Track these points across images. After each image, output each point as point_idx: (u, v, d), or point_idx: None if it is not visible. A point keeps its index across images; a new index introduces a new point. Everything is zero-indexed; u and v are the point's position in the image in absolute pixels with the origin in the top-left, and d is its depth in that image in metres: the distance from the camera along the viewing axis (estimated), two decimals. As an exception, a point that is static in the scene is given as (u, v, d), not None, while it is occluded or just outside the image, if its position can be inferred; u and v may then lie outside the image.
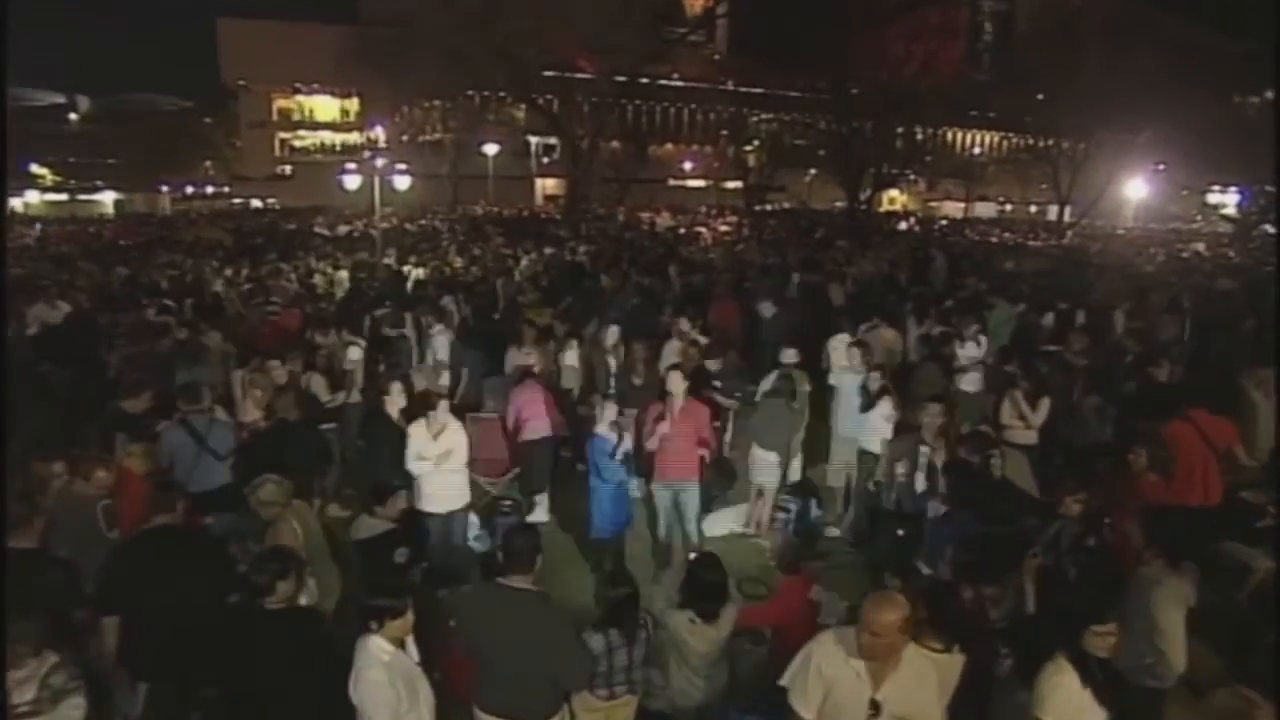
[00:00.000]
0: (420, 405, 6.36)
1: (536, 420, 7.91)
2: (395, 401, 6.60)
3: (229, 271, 14.82)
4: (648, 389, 8.33)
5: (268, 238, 23.18)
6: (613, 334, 8.66)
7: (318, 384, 7.93)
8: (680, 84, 54.39)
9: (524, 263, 15.53)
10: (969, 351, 9.34)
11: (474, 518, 7.42)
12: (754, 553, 7.52)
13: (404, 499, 5.46)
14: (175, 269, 15.57)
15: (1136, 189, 38.48)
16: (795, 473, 8.05)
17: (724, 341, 9.52)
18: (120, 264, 16.92)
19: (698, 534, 6.92)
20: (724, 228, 32.05)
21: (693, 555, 6.71)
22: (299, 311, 10.67)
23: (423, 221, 27.52)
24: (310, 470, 6.41)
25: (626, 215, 35.81)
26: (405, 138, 44.16)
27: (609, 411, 6.53)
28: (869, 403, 7.31)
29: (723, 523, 7.86)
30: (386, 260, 15.45)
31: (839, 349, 8.89)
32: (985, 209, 63.40)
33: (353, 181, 16.77)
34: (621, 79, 32.69)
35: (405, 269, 14.74)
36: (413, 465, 6.17)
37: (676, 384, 6.65)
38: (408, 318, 9.90)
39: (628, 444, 6.56)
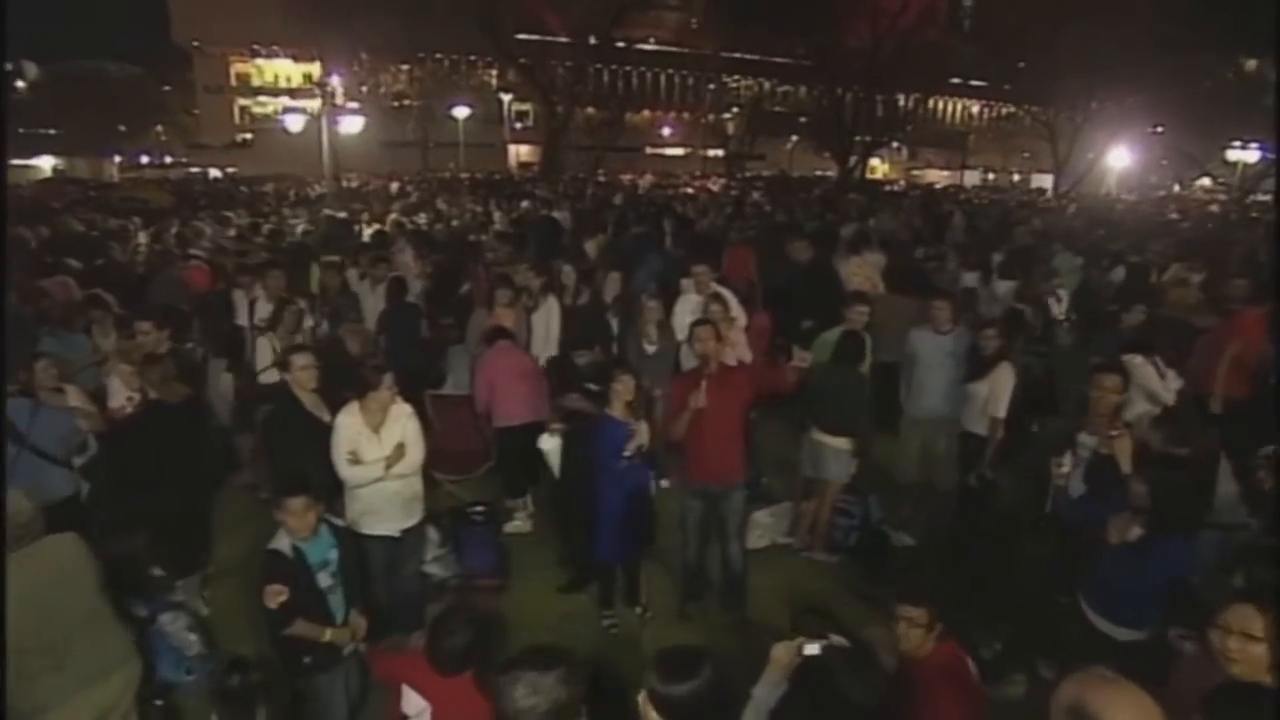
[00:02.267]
0: (346, 382, 4.40)
1: (515, 399, 6.03)
2: (307, 381, 4.64)
3: (152, 230, 12.62)
4: (661, 358, 6.49)
5: (210, 197, 20.86)
6: (614, 282, 6.73)
7: (264, 349, 6.08)
8: (657, 48, 53.06)
9: (496, 218, 13.44)
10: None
11: (433, 532, 5.54)
12: (807, 572, 5.73)
13: (306, 510, 3.55)
14: (93, 229, 13.37)
15: (1119, 158, 37.76)
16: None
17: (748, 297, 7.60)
18: (43, 224, 14.74)
19: (740, 558, 5.06)
20: (713, 188, 30.18)
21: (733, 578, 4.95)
22: (208, 268, 8.57)
23: (394, 185, 25.22)
24: (195, 476, 4.48)
25: (607, 178, 33.76)
26: (364, 88, 41.75)
27: (622, 388, 4.62)
28: (977, 370, 5.50)
29: (754, 531, 6.00)
30: (332, 211, 13.33)
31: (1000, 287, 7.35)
32: (969, 178, 62.37)
33: (295, 122, 14.61)
34: (595, 42, 31.06)
35: (359, 225, 12.66)
36: (345, 471, 4.26)
37: (708, 342, 4.74)
38: (352, 272, 7.92)
39: (644, 434, 4.66)
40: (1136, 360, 5.37)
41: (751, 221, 13.62)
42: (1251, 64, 28.49)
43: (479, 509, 5.87)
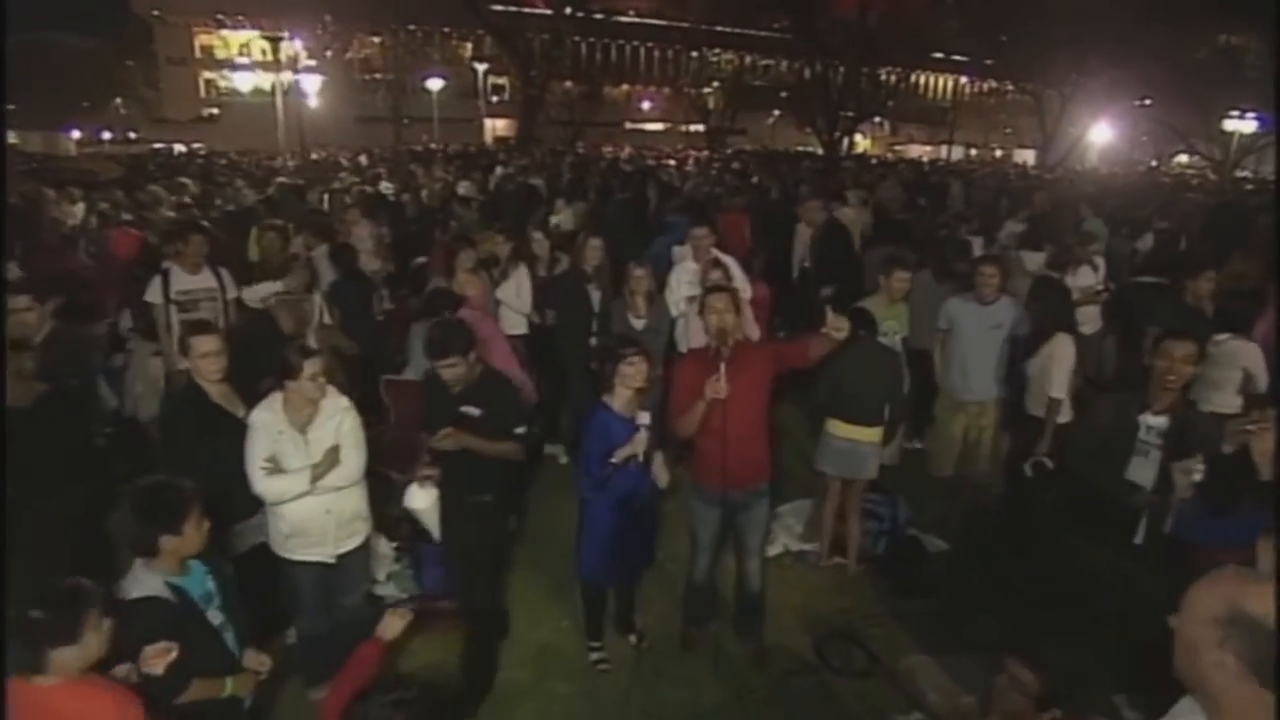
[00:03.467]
0: (269, 366, 3.46)
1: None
2: (210, 372, 3.64)
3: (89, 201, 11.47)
4: (652, 335, 5.60)
5: (167, 170, 19.53)
6: (595, 250, 5.80)
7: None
8: (636, 20, 52.12)
9: (463, 187, 12.33)
10: (1081, 279, 6.78)
11: (386, 544, 4.67)
12: (828, 585, 4.90)
13: (194, 531, 2.66)
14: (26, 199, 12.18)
15: (1101, 133, 37.31)
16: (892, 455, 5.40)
17: (747, 265, 6.70)
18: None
19: (760, 578, 4.17)
20: (698, 157, 29.18)
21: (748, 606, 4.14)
22: (137, 234, 7.50)
23: (363, 157, 23.92)
24: (69, 492, 3.52)
25: (586, 149, 32.66)
26: (329, 52, 40.41)
27: (633, 371, 3.66)
28: (1032, 344, 4.68)
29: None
30: (285, 179, 12.20)
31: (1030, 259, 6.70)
32: (951, 153, 62.06)
33: (244, 81, 13.41)
34: (573, 13, 30.02)
35: (316, 193, 11.55)
36: (261, 484, 3.34)
37: (725, 314, 3.67)
38: (298, 239, 6.91)
39: (643, 441, 3.66)
40: (1234, 341, 4.58)
41: (742, 190, 12.67)
42: (1239, 38, 27.94)
43: (441, 517, 4.98)
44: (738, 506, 3.91)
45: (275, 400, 3.41)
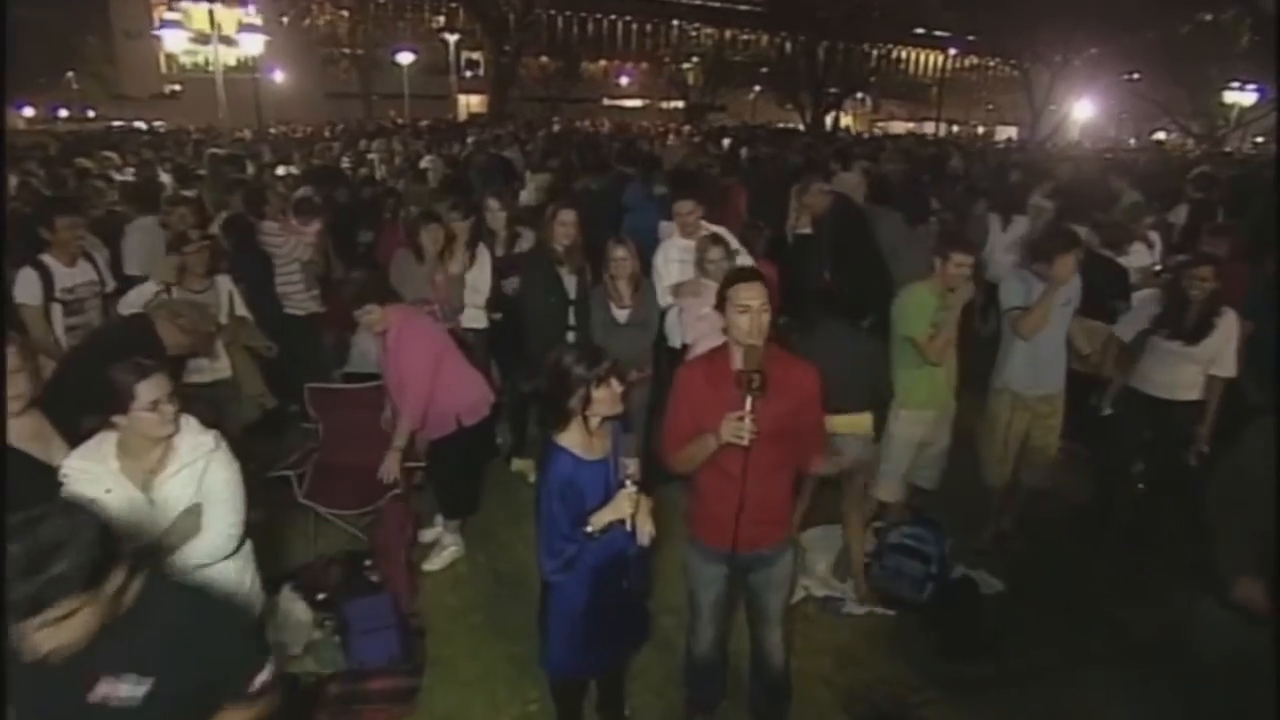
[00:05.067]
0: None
1: (452, 391, 4.14)
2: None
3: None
4: (637, 330, 4.61)
5: (110, 146, 18.07)
6: (567, 224, 4.72)
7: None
8: (613, -6, 50.85)
9: (426, 160, 11.09)
10: (1136, 259, 5.83)
11: (300, 610, 3.65)
12: (859, 641, 3.92)
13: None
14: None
15: (1083, 109, 36.70)
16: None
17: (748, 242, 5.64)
18: None
19: (783, 653, 3.12)
20: (679, 129, 28.02)
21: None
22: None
23: (326, 130, 22.49)
24: None
25: (563, 124, 31.38)
26: (285, 19, 38.88)
27: (606, 398, 2.53)
28: (1197, 324, 4.14)
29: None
30: (219, 149, 10.94)
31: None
32: (933, 130, 61.70)
33: (174, 41, 12.12)
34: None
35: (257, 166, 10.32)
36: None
37: (760, 314, 2.57)
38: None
39: (628, 501, 2.51)
40: None
41: (733, 163, 11.59)
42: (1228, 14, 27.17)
43: (369, 564, 3.98)
44: (751, 564, 2.92)
45: (103, 443, 2.36)
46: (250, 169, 9.96)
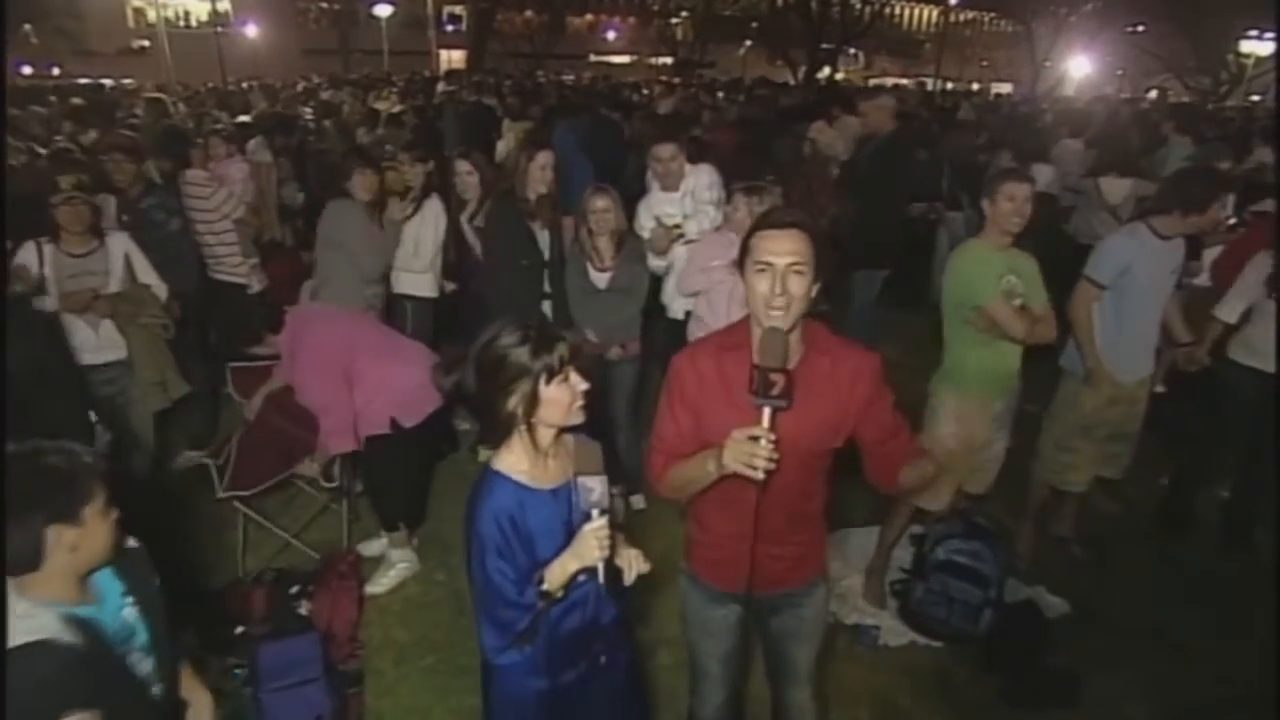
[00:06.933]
0: None
1: (371, 398, 3.33)
2: None
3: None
4: (621, 296, 3.80)
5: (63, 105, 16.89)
6: (543, 167, 3.84)
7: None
8: (599, -55, 49.41)
9: (397, 108, 10.09)
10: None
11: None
12: (908, 693, 3.15)
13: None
14: None
15: (1079, 65, 36.01)
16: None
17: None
18: None
19: (812, 715, 2.36)
20: (670, 82, 26.90)
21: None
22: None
23: (300, 84, 21.15)
24: None
25: (546, 76, 30.14)
26: None
27: (562, 399, 1.69)
28: None
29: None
30: (159, 95, 9.89)
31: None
32: (928, 86, 61.05)
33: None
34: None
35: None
36: None
37: (784, 273, 1.73)
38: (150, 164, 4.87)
39: (598, 510, 1.67)
40: None
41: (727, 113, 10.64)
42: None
43: (294, 592, 3.20)
44: (774, 607, 2.15)
45: None
46: (181, 111, 8.96)
